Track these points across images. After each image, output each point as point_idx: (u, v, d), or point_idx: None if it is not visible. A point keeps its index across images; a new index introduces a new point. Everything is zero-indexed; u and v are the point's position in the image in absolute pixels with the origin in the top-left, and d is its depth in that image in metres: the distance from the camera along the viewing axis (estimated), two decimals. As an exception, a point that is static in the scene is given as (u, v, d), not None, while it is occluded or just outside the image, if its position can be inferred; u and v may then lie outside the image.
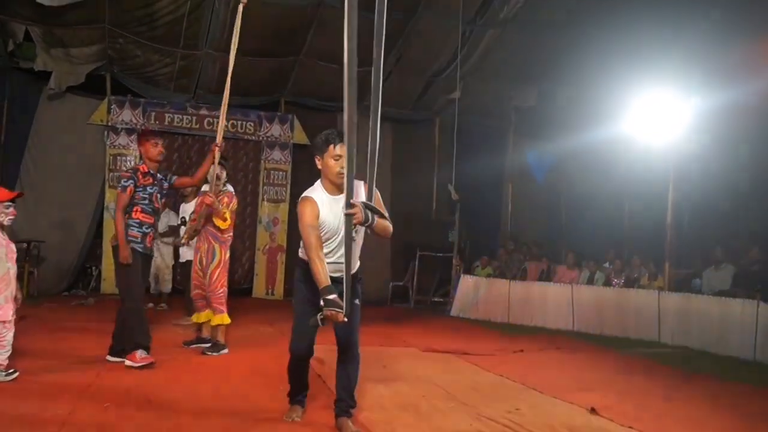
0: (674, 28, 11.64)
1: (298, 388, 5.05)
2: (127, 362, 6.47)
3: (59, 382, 5.78)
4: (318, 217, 4.50)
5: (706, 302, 10.00)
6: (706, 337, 9.69)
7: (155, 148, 6.90)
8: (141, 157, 7.11)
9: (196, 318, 7.95)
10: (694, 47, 11.08)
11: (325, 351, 6.84)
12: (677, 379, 7.50)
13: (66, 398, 5.21)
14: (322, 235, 4.53)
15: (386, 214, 4.49)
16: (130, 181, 6.72)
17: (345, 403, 4.81)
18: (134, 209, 6.72)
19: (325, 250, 4.55)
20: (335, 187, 4.56)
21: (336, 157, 4.50)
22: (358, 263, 4.73)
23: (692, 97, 10.65)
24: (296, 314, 4.79)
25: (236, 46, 7.14)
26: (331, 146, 4.52)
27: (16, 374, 5.48)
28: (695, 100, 10.63)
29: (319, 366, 6.85)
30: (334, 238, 4.57)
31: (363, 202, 4.28)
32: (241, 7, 7.06)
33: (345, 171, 4.21)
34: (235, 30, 7.07)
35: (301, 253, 4.72)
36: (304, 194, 4.62)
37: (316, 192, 4.61)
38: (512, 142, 16.22)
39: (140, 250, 6.72)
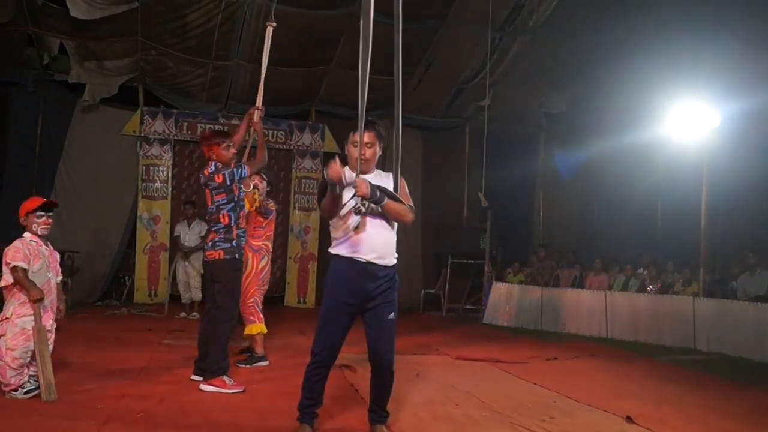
0: (705, 33, 11.53)
1: (312, 397, 4.71)
2: (209, 387, 6.06)
3: (93, 392, 5.82)
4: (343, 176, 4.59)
5: (742, 308, 9.89)
6: (742, 343, 9.56)
7: (228, 151, 6.37)
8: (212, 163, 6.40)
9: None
10: (726, 51, 10.97)
11: (356, 360, 6.87)
12: (714, 386, 7.40)
13: (99, 408, 5.23)
14: (341, 209, 4.59)
15: (403, 200, 4.63)
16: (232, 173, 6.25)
17: (377, 414, 4.78)
18: (239, 214, 6.36)
19: (342, 235, 4.61)
20: (362, 173, 4.64)
21: (354, 143, 4.64)
22: (395, 260, 4.71)
23: (723, 103, 10.53)
24: (324, 313, 4.70)
25: (266, 66, 7.07)
26: (352, 133, 4.72)
27: (35, 392, 5.52)
28: (727, 106, 10.51)
29: (351, 374, 6.86)
30: (348, 217, 4.57)
31: (372, 184, 4.44)
32: (270, 30, 7.04)
33: (365, 157, 4.58)
34: (264, 52, 7.01)
35: (332, 248, 4.70)
36: None
37: (345, 168, 4.71)
38: (543, 148, 16.18)
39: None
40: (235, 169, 6.25)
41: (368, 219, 4.53)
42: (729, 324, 9.87)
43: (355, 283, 4.56)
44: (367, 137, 4.63)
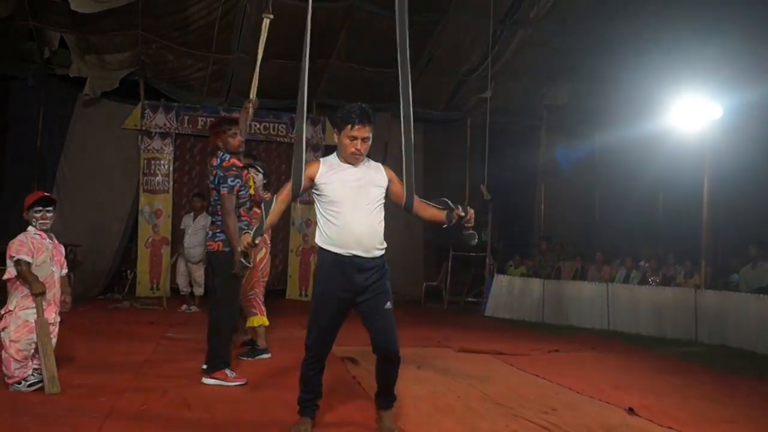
0: (707, 26, 11.50)
1: (311, 390, 4.68)
2: (211, 380, 6.07)
3: (95, 385, 5.83)
4: (314, 176, 4.52)
5: (744, 300, 9.86)
6: (744, 335, 9.55)
7: (234, 139, 6.31)
8: (220, 152, 6.34)
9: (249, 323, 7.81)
10: (727, 43, 10.95)
11: (359, 352, 6.87)
12: (715, 378, 7.39)
13: (102, 401, 5.25)
14: (324, 199, 4.52)
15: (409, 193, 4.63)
16: (238, 180, 6.19)
17: (384, 399, 4.71)
18: (240, 210, 6.30)
19: (335, 223, 4.48)
20: (349, 164, 4.57)
21: (351, 138, 4.47)
22: (382, 250, 4.58)
23: (725, 94, 10.51)
24: (315, 307, 4.61)
25: (261, 58, 7.11)
26: (348, 126, 4.47)
27: (39, 385, 5.53)
28: (728, 98, 10.49)
29: (353, 368, 6.86)
30: (341, 209, 4.47)
31: (447, 203, 4.61)
32: (266, 21, 7.04)
33: (360, 152, 4.50)
34: (260, 43, 7.03)
35: (317, 239, 4.61)
36: None
37: (328, 157, 4.69)
38: (544, 140, 16.14)
39: None
40: (231, 178, 6.12)
41: (353, 210, 4.46)
42: (731, 316, 9.85)
43: (343, 276, 4.47)
44: (366, 132, 4.49)
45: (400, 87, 4.51)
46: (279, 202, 4.61)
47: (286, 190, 4.59)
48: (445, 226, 4.67)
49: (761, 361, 8.63)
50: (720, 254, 12.22)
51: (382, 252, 4.58)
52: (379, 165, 4.71)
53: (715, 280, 11.16)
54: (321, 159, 4.67)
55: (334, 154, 4.65)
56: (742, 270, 10.97)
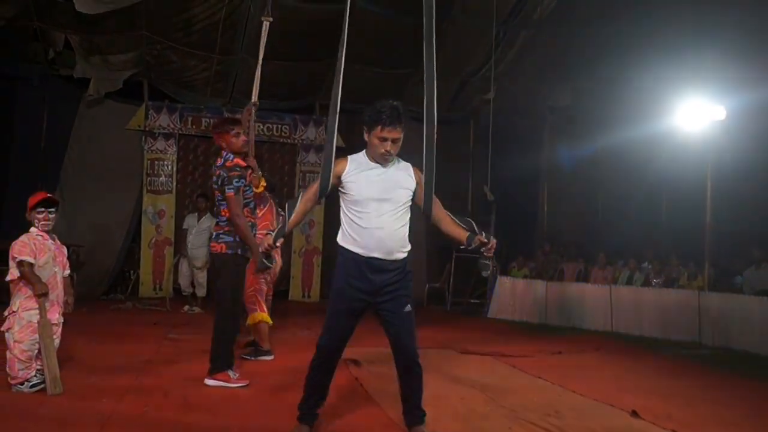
0: (711, 27, 11.48)
1: (316, 394, 4.59)
2: (213, 381, 6.02)
3: (98, 386, 5.83)
4: (341, 173, 4.43)
5: (748, 302, 9.85)
6: (748, 337, 9.53)
7: (237, 138, 6.23)
8: (224, 152, 6.25)
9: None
10: (731, 44, 10.93)
11: (363, 355, 6.86)
12: (719, 380, 7.39)
13: (104, 402, 5.25)
14: (348, 198, 4.44)
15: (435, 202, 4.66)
16: (242, 180, 6.09)
17: (413, 415, 4.59)
18: (245, 210, 6.15)
19: (358, 224, 4.40)
20: (377, 163, 4.48)
21: (381, 139, 4.37)
22: (405, 253, 4.50)
23: (728, 96, 10.49)
24: (332, 306, 4.55)
25: (261, 60, 7.14)
26: (378, 127, 4.36)
27: (41, 386, 5.53)
28: (731, 100, 10.48)
29: (355, 369, 6.84)
30: (365, 209, 4.39)
31: (472, 225, 4.61)
32: (266, 24, 7.06)
33: (390, 154, 4.40)
34: (260, 46, 7.06)
35: (339, 238, 4.52)
36: None
37: (357, 154, 4.56)
38: (547, 141, 16.11)
39: (249, 256, 6.19)
40: (235, 179, 6.05)
41: (377, 211, 4.37)
42: (735, 318, 9.84)
43: (363, 276, 4.38)
44: (397, 133, 4.40)
45: (425, 90, 4.45)
46: (304, 201, 4.52)
47: (313, 189, 4.51)
48: (462, 247, 4.59)
49: (765, 364, 8.62)
50: (723, 256, 12.20)
51: (405, 255, 4.50)
52: (409, 166, 4.61)
53: (718, 282, 11.15)
54: (349, 156, 4.54)
55: (363, 152, 4.55)
56: (746, 272, 10.96)
